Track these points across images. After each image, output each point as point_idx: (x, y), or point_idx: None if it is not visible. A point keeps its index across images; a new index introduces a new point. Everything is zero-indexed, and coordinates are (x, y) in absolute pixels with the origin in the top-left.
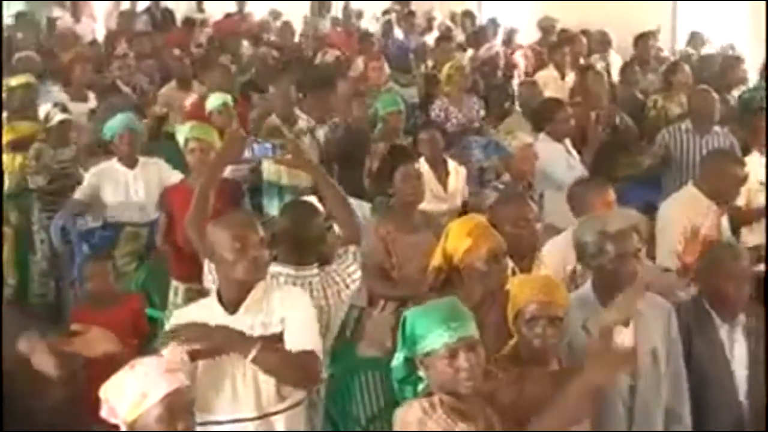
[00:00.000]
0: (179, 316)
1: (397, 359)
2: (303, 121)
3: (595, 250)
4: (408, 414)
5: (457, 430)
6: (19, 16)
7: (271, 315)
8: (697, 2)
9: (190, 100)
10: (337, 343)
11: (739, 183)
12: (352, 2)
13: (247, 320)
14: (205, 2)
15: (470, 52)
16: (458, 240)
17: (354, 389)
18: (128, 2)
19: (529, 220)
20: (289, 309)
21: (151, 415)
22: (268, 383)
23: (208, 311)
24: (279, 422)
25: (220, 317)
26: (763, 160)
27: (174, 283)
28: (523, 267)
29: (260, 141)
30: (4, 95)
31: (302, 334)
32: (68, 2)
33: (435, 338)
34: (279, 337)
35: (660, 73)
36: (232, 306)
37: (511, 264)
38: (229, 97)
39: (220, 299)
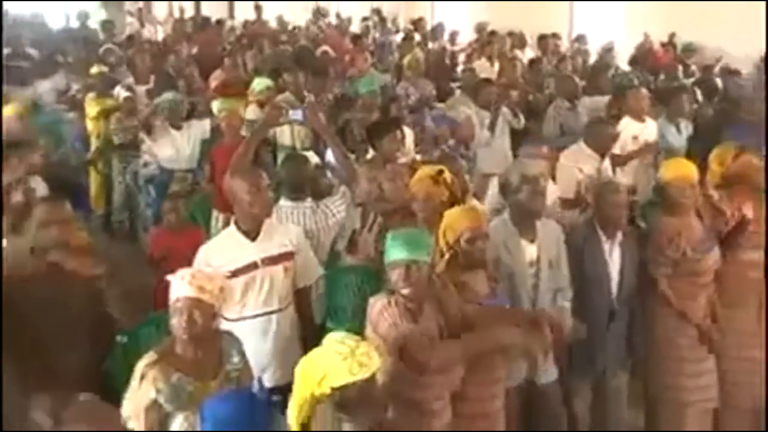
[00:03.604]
0: (211, 246)
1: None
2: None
3: (516, 188)
4: (375, 304)
5: (399, 324)
6: (105, 23)
7: (283, 240)
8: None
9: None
10: (331, 254)
11: (613, 139)
12: (341, 7)
13: (264, 245)
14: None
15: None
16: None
17: (341, 287)
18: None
19: (459, 172)
20: (297, 236)
21: (174, 306)
22: (281, 286)
23: (233, 240)
24: (287, 312)
25: (245, 243)
26: (637, 123)
27: (215, 213)
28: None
29: (294, 108)
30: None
31: (308, 256)
32: (135, 10)
33: (393, 254)
34: (291, 255)
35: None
36: (252, 235)
37: None
38: (270, 82)
39: (239, 230)
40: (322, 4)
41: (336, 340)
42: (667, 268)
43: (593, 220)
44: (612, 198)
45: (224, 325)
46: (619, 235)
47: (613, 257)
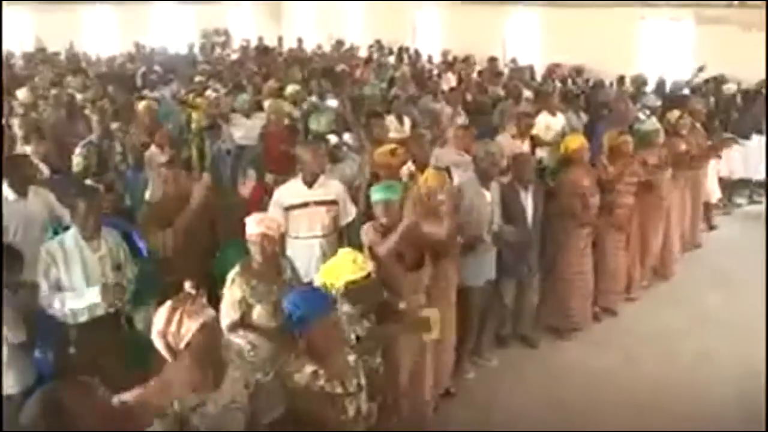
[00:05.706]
0: (283, 188)
1: None
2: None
3: (482, 157)
4: (366, 228)
5: (379, 242)
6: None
7: (331, 190)
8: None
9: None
10: None
11: (529, 128)
12: (354, 38)
13: (318, 191)
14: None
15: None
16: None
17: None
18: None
19: (423, 148)
20: (339, 191)
21: (250, 239)
22: (323, 220)
23: (298, 186)
24: (327, 240)
25: (303, 188)
26: (550, 117)
27: (268, 175)
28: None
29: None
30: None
31: (347, 203)
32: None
33: (373, 196)
34: (332, 202)
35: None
36: (309, 184)
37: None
38: (299, 87)
39: (303, 181)
40: (340, 36)
41: (345, 252)
42: (578, 201)
43: (514, 180)
44: (523, 164)
45: (289, 241)
46: (531, 188)
47: (528, 202)
